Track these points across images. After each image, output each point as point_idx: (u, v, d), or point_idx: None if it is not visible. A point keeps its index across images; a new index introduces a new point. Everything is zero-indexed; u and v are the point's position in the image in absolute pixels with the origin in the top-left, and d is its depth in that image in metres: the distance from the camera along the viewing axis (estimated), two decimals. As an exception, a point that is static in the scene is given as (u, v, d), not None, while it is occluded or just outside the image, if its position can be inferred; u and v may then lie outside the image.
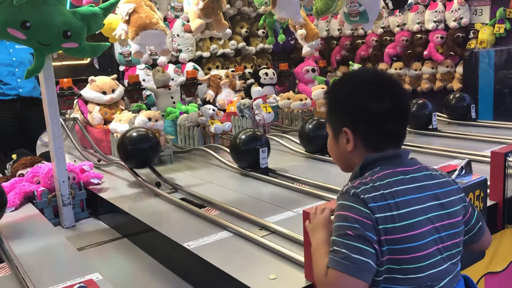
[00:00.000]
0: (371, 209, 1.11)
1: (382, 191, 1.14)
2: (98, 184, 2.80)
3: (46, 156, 2.84)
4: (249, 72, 5.79)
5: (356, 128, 1.24)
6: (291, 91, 4.77)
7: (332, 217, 1.21)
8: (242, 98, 4.57)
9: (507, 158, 2.01)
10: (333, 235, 1.15)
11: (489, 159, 2.14)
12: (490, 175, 2.05)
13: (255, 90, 4.82)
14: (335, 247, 1.12)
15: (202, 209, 2.27)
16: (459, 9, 5.32)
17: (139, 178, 2.79)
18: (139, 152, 2.88)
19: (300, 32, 4.37)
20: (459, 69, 5.50)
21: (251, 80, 5.38)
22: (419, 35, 5.70)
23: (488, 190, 1.97)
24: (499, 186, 2.04)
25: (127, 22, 3.16)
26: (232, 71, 5.27)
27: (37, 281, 1.52)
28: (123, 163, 3.07)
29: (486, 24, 5.20)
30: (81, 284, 0.94)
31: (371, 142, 1.25)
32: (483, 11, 5.28)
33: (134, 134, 2.91)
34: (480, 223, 1.33)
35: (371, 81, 1.26)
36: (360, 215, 1.11)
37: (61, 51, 2.34)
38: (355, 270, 1.08)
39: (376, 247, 1.10)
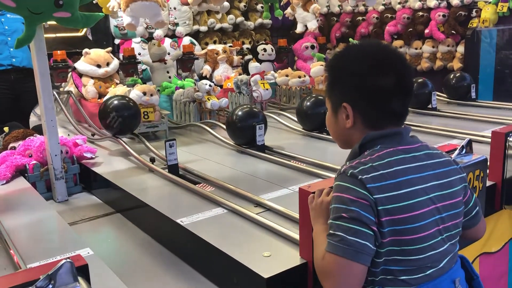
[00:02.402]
0: (369, 190, 1.07)
1: (381, 171, 1.10)
2: (92, 158, 2.77)
3: (38, 129, 2.79)
4: (247, 48, 5.69)
5: (357, 104, 1.19)
6: (289, 68, 4.70)
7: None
8: (240, 74, 4.51)
9: (508, 138, 1.97)
10: (330, 218, 1.12)
11: (488, 140, 2.10)
12: (490, 156, 2.01)
13: (253, 66, 4.75)
14: (331, 231, 1.09)
15: (197, 185, 2.24)
16: (462, -14, 5.23)
17: (133, 153, 2.75)
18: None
19: (316, 7, 4.29)
20: (460, 49, 5.43)
21: (249, 56, 5.29)
22: (420, 13, 5.62)
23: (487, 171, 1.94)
24: (499, 166, 2.01)
25: (121, -7, 3.08)
26: (230, 46, 5.18)
27: (26, 256, 1.50)
28: (117, 137, 3.03)
29: (490, 2, 5.10)
30: (68, 260, 0.90)
31: (372, 119, 1.19)
32: (486, -11, 5.18)
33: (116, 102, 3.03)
34: (478, 207, 1.29)
35: (375, 54, 1.20)
36: (357, 196, 1.07)
37: (53, 22, 2.26)
38: (352, 253, 1.05)
39: (374, 228, 1.06)
